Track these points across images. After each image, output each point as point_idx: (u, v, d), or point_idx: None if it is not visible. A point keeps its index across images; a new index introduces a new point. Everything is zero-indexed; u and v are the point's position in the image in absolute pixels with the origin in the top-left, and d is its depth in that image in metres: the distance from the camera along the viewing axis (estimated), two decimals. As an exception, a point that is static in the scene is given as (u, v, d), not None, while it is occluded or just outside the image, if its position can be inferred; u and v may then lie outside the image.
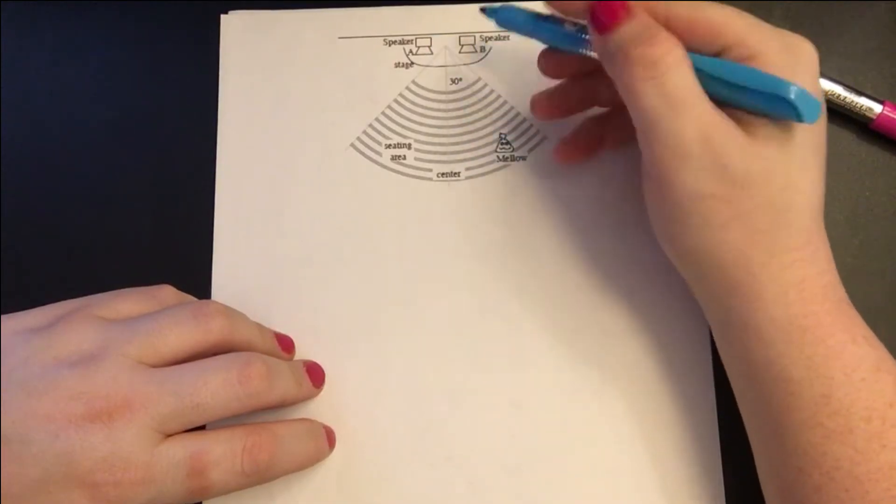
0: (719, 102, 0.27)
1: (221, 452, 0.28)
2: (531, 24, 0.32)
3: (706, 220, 0.28)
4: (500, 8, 0.33)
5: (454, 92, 0.37)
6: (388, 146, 0.37)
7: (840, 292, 0.28)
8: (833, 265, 0.29)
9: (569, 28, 0.31)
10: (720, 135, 0.27)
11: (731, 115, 0.28)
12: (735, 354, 0.29)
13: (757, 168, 0.27)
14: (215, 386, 0.28)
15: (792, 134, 0.28)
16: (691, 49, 0.28)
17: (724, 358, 0.30)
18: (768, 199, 0.27)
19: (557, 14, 0.31)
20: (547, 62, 0.33)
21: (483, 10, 0.33)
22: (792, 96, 0.25)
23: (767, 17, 0.37)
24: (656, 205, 0.29)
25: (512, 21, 0.32)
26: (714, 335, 0.31)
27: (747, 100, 0.27)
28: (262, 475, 0.29)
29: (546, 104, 0.35)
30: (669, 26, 0.28)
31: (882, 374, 0.27)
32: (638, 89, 0.27)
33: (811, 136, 0.28)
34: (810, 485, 0.27)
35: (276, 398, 0.30)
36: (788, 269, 0.27)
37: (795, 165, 0.28)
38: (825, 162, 0.29)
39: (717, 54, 0.28)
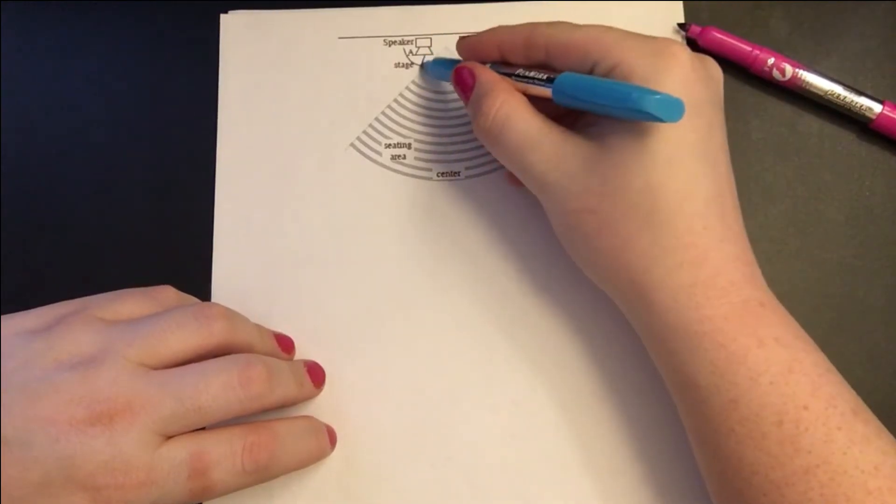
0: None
1: (222, 452, 0.28)
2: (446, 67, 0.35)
3: (581, 232, 0.29)
4: (430, 62, 0.37)
5: (454, 92, 0.37)
6: (388, 146, 0.37)
7: (747, 291, 0.27)
8: (740, 262, 0.28)
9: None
10: (570, 159, 0.29)
11: (594, 132, 0.29)
12: (654, 361, 0.30)
13: (613, 177, 0.28)
14: (216, 389, 0.28)
15: (652, 138, 0.27)
16: (570, 68, 0.30)
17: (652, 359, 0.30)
18: (631, 204, 0.27)
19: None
20: None
21: (421, 65, 0.38)
22: (638, 105, 0.25)
23: (767, 17, 0.38)
24: (552, 227, 0.31)
25: (439, 70, 0.36)
26: None
27: (614, 112, 0.27)
28: (263, 474, 0.29)
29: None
30: (549, 52, 0.30)
31: (794, 376, 0.26)
32: (490, 143, 0.31)
33: (676, 134, 0.27)
34: (732, 489, 0.27)
35: (277, 400, 0.30)
36: (675, 273, 0.27)
37: (657, 167, 0.27)
38: (711, 158, 0.28)
39: (591, 70, 0.29)
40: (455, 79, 0.33)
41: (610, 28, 0.29)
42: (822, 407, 0.25)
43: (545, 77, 0.30)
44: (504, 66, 0.32)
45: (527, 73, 0.31)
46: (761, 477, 0.26)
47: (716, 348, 0.26)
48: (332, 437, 0.33)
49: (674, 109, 0.26)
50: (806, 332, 0.28)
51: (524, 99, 0.31)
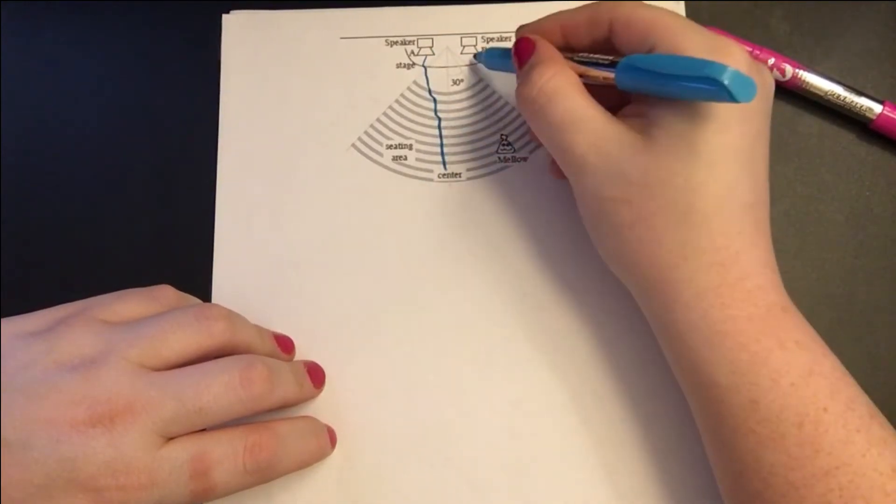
0: (657, 96, 0.28)
1: (223, 453, 0.28)
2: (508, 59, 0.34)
3: (612, 222, 0.29)
4: (485, 51, 0.36)
5: (456, 93, 0.37)
6: (390, 147, 0.37)
7: (772, 296, 0.27)
8: (768, 268, 0.28)
9: None
10: (613, 144, 0.28)
11: (638, 123, 0.29)
12: (669, 359, 0.30)
13: (654, 170, 0.27)
14: (217, 390, 0.28)
15: (699, 137, 0.27)
16: (630, 48, 0.29)
17: (669, 362, 0.30)
18: (669, 200, 0.27)
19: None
20: None
21: (475, 56, 0.37)
22: (719, 76, 0.25)
23: (767, 16, 0.38)
24: (580, 212, 0.31)
25: (494, 60, 0.36)
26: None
27: (681, 90, 0.26)
28: (264, 474, 0.29)
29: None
30: (613, 27, 0.30)
31: (814, 379, 0.26)
32: (532, 114, 0.30)
33: (720, 138, 0.27)
34: (750, 490, 0.27)
35: (278, 400, 0.30)
36: (704, 272, 0.27)
37: (700, 167, 0.27)
38: (751, 164, 0.28)
39: (650, 51, 0.28)
40: (515, 49, 0.32)
41: (675, 14, 0.29)
42: (842, 409, 0.26)
43: (609, 60, 0.29)
44: (566, 51, 0.31)
45: (589, 56, 0.30)
46: (780, 478, 0.26)
47: (738, 348, 0.27)
48: (332, 438, 0.33)
49: (748, 88, 0.25)
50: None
51: (577, 78, 0.30)
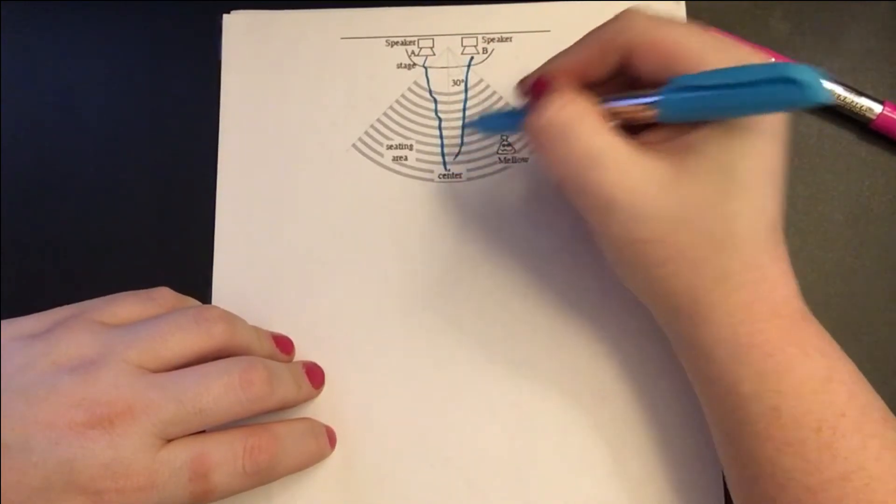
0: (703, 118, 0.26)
1: (223, 455, 0.28)
2: (508, 118, 0.31)
3: (643, 263, 0.28)
4: (479, 119, 0.33)
5: (456, 93, 0.37)
6: (390, 147, 0.37)
7: (795, 304, 0.28)
8: (789, 277, 0.28)
9: None
10: (642, 180, 0.27)
11: (666, 150, 0.27)
12: (689, 369, 0.30)
13: (690, 203, 0.27)
14: (217, 391, 0.28)
15: (736, 162, 0.27)
16: (652, 73, 0.27)
17: (686, 370, 0.30)
18: (706, 231, 0.27)
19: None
20: None
21: (469, 124, 0.36)
22: (795, 74, 0.23)
23: (768, 16, 0.38)
24: (600, 247, 0.30)
25: (492, 124, 0.33)
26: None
27: (751, 100, 0.25)
28: (263, 476, 0.29)
29: None
30: (635, 53, 0.28)
31: (833, 385, 0.26)
32: (544, 148, 0.27)
33: (755, 162, 0.27)
34: (766, 495, 0.27)
35: (277, 402, 0.30)
36: (736, 292, 0.27)
37: (736, 194, 0.27)
38: (778, 183, 0.28)
39: (674, 75, 0.27)
40: (531, 91, 0.30)
41: (691, 29, 0.27)
42: (857, 415, 0.26)
43: (649, 94, 0.27)
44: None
45: (619, 95, 0.27)
46: (797, 483, 0.26)
47: (763, 358, 0.27)
48: (331, 438, 0.33)
49: (822, 88, 0.23)
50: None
51: (593, 107, 0.27)
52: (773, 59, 0.27)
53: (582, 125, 0.27)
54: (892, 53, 0.37)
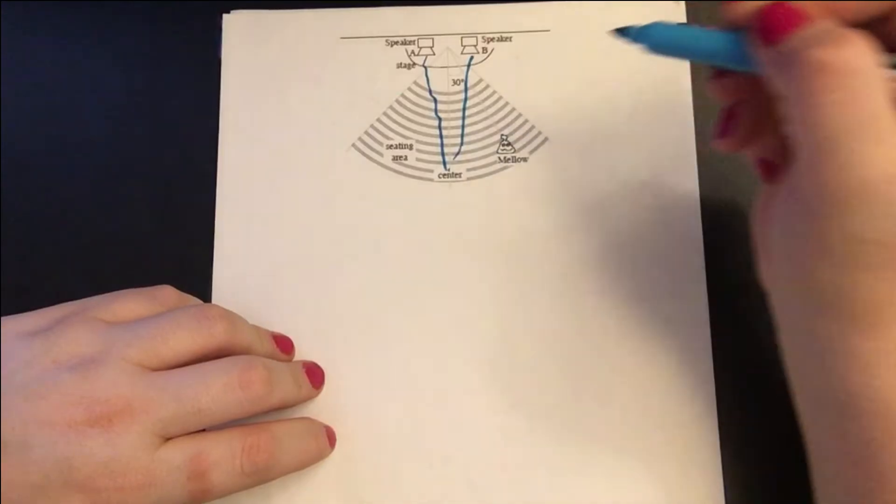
0: None
1: (221, 454, 0.28)
2: (693, 39, 0.25)
3: (853, 263, 0.22)
4: (650, 26, 0.26)
5: (456, 93, 0.37)
6: (390, 147, 0.37)
7: None
8: None
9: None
10: None
11: None
12: (811, 380, 0.26)
13: None
14: (216, 391, 0.28)
15: None
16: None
17: (803, 384, 0.26)
18: None
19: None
20: (722, 86, 0.27)
21: (623, 31, 0.27)
22: None
23: (768, 17, 0.38)
24: (787, 236, 0.24)
25: (668, 40, 0.26)
26: (789, 359, 0.27)
27: None
28: (261, 475, 0.29)
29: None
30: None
31: None
32: (818, 104, 0.21)
33: None
34: None
35: (277, 402, 0.30)
36: None
37: None
38: None
39: None
40: (768, 14, 0.23)
41: None
42: None
43: None
44: None
45: None
46: None
47: None
48: (331, 438, 0.33)
49: None
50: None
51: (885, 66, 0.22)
52: None
53: (874, 85, 0.21)
54: (892, 54, 0.37)
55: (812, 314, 0.24)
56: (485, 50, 0.37)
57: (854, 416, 0.24)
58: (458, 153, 0.37)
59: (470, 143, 0.37)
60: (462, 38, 0.38)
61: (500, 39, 0.38)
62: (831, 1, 0.23)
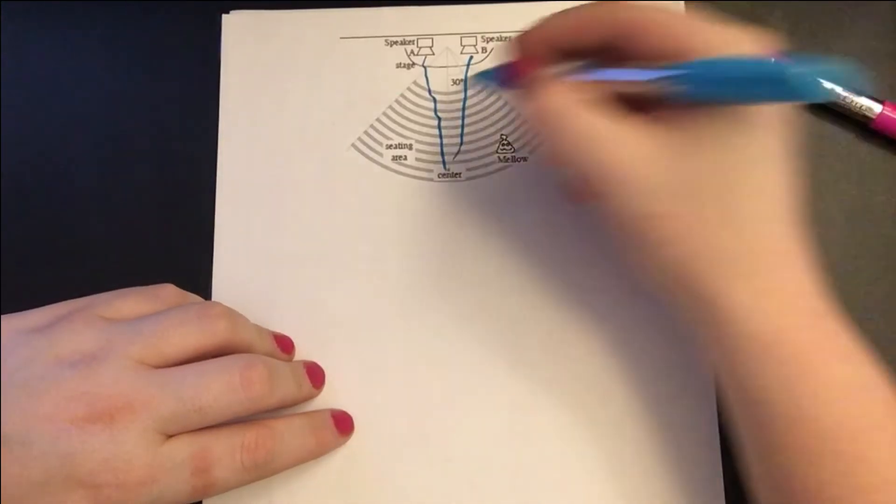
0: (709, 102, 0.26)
1: (223, 450, 0.28)
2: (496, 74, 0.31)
3: (650, 240, 0.27)
4: (480, 73, 0.33)
5: (456, 93, 0.37)
6: (389, 147, 0.37)
7: (820, 304, 0.26)
8: (812, 274, 0.27)
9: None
10: (645, 156, 0.26)
11: (670, 128, 0.26)
12: (718, 374, 0.29)
13: (692, 181, 0.26)
14: (217, 390, 0.28)
15: (742, 137, 0.26)
16: (647, 53, 0.27)
17: (718, 377, 0.29)
18: (708, 203, 0.26)
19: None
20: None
21: (473, 78, 0.35)
22: (786, 74, 0.23)
23: (768, 16, 0.38)
24: (607, 232, 0.29)
25: (488, 79, 0.33)
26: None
27: (755, 92, 0.25)
28: (262, 471, 0.29)
29: None
30: (632, 31, 0.27)
31: (866, 393, 0.25)
32: (548, 132, 0.28)
33: (770, 139, 0.26)
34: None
35: (277, 401, 0.30)
36: (750, 279, 0.26)
37: (741, 173, 0.26)
38: (786, 168, 0.27)
39: (674, 56, 0.26)
40: (514, 67, 0.30)
41: (695, 15, 0.27)
42: (893, 425, 0.25)
43: (668, 67, 0.26)
44: (603, 63, 0.29)
45: (634, 64, 0.27)
46: (825, 493, 0.25)
47: (789, 362, 0.25)
48: (343, 424, 0.33)
49: (820, 88, 0.23)
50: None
51: (590, 86, 0.28)
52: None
53: (575, 107, 0.27)
54: (892, 53, 0.37)
55: (679, 311, 0.29)
56: (484, 50, 0.37)
57: (741, 407, 0.28)
58: (457, 153, 0.37)
59: (469, 142, 0.37)
60: (461, 37, 0.38)
61: (500, 39, 0.38)
62: (554, 38, 0.29)
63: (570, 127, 0.27)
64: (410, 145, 0.37)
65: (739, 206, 0.26)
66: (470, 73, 0.37)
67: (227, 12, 0.38)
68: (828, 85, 0.36)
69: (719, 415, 0.33)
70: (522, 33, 0.30)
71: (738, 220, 0.26)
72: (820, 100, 0.23)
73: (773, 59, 0.25)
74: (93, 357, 0.27)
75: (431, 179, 0.36)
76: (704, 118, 0.26)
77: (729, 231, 0.26)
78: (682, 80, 0.26)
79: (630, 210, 0.27)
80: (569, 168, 0.28)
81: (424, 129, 0.37)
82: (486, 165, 0.36)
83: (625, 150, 0.26)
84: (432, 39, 0.38)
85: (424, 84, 0.37)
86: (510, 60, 0.30)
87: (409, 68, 0.38)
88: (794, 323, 0.26)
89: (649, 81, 0.27)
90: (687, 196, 0.26)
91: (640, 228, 0.27)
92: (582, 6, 0.29)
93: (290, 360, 0.34)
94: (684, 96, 0.26)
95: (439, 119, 0.37)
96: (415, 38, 0.38)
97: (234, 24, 0.38)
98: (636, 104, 0.28)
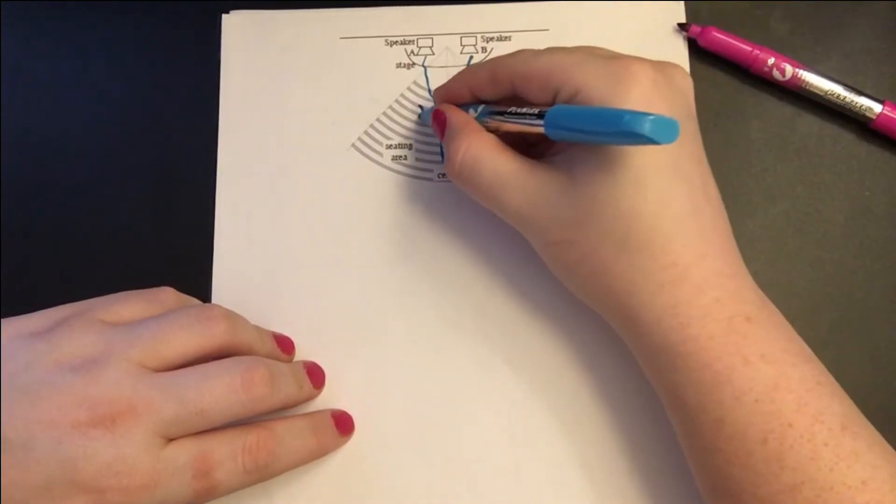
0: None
1: (224, 453, 0.28)
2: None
3: (562, 262, 0.30)
4: (425, 111, 0.37)
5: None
6: (389, 146, 0.37)
7: (733, 307, 0.27)
8: (724, 277, 0.27)
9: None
10: (541, 192, 0.29)
11: (561, 164, 0.29)
12: (648, 378, 0.30)
13: (584, 207, 0.28)
14: (219, 392, 0.28)
15: (618, 164, 0.27)
16: (538, 98, 0.29)
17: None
18: (605, 231, 0.27)
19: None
20: None
21: (419, 116, 0.37)
22: (631, 128, 0.24)
23: (767, 16, 0.38)
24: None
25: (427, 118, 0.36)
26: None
27: (606, 137, 0.26)
28: (263, 473, 0.29)
29: None
30: (515, 83, 0.30)
31: (780, 394, 0.26)
32: (463, 185, 0.31)
33: (643, 159, 0.27)
34: None
35: (278, 402, 0.30)
36: (657, 294, 0.27)
37: (627, 192, 0.27)
38: (687, 174, 0.28)
39: (554, 98, 0.29)
40: (432, 121, 0.33)
41: (572, 51, 0.29)
42: (808, 423, 0.25)
43: (536, 112, 0.29)
44: (495, 105, 0.32)
45: (518, 111, 0.30)
46: (748, 494, 0.26)
47: (701, 368, 0.26)
48: (344, 424, 0.33)
49: (669, 130, 0.24)
50: (806, 332, 0.28)
51: (493, 138, 0.31)
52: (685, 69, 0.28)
53: (486, 158, 0.30)
54: (892, 53, 0.37)
55: (607, 319, 0.31)
56: (484, 49, 0.37)
57: (668, 412, 0.29)
58: (457, 153, 0.37)
59: (470, 142, 0.37)
60: (461, 37, 0.38)
61: (500, 39, 0.38)
62: (474, 90, 0.33)
63: (483, 174, 0.30)
64: (410, 145, 0.37)
65: (632, 229, 0.27)
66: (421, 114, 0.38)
67: (227, 12, 0.38)
68: (828, 83, 0.36)
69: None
70: (444, 85, 0.34)
71: (635, 242, 0.27)
72: (663, 142, 0.24)
73: (610, 111, 0.26)
74: (93, 361, 0.27)
75: (431, 179, 0.36)
76: (589, 151, 0.28)
77: (628, 252, 0.27)
78: (540, 124, 0.28)
79: (539, 239, 0.30)
80: (488, 207, 0.31)
81: (424, 129, 0.37)
82: (487, 165, 0.36)
83: (524, 191, 0.29)
84: (432, 39, 0.38)
85: (424, 84, 0.37)
86: (436, 108, 0.34)
87: (409, 68, 0.37)
88: (707, 332, 0.26)
89: (521, 125, 0.30)
90: (584, 224, 0.28)
91: (552, 252, 0.30)
92: (491, 59, 0.32)
93: (291, 360, 0.34)
94: (553, 139, 0.28)
95: (439, 119, 0.37)
96: (415, 38, 0.38)
97: (234, 24, 0.38)
98: (543, 142, 0.31)
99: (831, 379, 0.27)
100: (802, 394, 0.26)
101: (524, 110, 0.29)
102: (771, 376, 0.26)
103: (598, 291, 0.29)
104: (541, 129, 0.28)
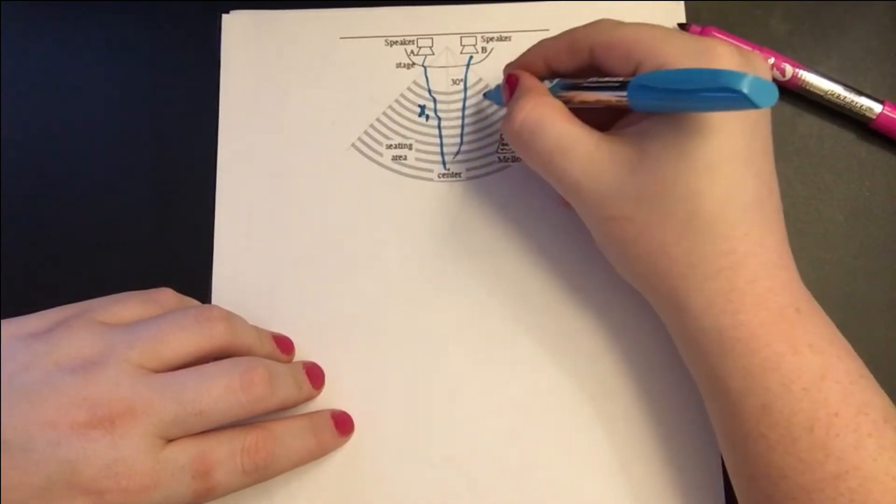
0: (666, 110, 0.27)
1: (223, 453, 0.28)
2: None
3: (618, 239, 0.29)
4: (492, 90, 0.36)
5: (455, 93, 0.37)
6: (389, 146, 0.37)
7: (784, 298, 0.27)
8: (779, 268, 0.27)
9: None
10: (606, 164, 0.28)
11: (630, 137, 0.28)
12: (685, 361, 0.30)
13: (651, 183, 0.27)
14: (218, 393, 0.28)
15: (692, 143, 0.27)
16: (616, 69, 0.29)
17: (687, 367, 0.30)
18: (670, 211, 0.27)
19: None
20: None
21: (484, 95, 0.37)
22: (738, 85, 0.23)
23: (768, 16, 0.38)
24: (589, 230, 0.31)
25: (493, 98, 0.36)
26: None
27: (700, 102, 0.25)
28: (262, 473, 0.29)
29: None
30: (594, 52, 0.30)
31: (826, 383, 0.26)
32: (521, 147, 0.30)
33: (718, 141, 0.27)
34: (760, 492, 0.27)
35: (278, 403, 0.30)
36: (713, 279, 0.27)
37: (697, 174, 0.27)
38: (756, 164, 0.28)
39: (635, 71, 0.28)
40: (504, 85, 0.32)
41: (654, 26, 0.29)
42: (853, 414, 0.26)
43: (619, 82, 0.28)
44: (572, 78, 0.31)
45: (598, 81, 0.29)
46: (790, 481, 0.26)
47: (749, 354, 0.26)
48: (343, 425, 0.33)
49: (767, 92, 0.24)
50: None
51: (560, 105, 0.30)
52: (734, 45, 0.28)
53: (550, 122, 0.29)
54: (892, 53, 0.37)
55: (650, 301, 0.31)
56: (484, 49, 0.37)
57: (706, 398, 0.29)
58: (457, 153, 0.37)
59: (469, 142, 0.37)
60: (461, 37, 0.38)
61: (500, 39, 0.38)
62: (548, 61, 0.32)
63: (545, 137, 0.29)
64: (410, 145, 0.37)
65: (698, 211, 0.27)
66: (481, 89, 0.37)
67: (227, 12, 0.38)
68: (826, 83, 0.36)
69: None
70: (517, 58, 0.33)
71: (698, 224, 0.27)
72: (760, 104, 0.23)
73: (706, 69, 0.25)
74: (92, 362, 0.27)
75: (431, 179, 0.36)
76: (663, 127, 0.27)
77: (690, 234, 0.27)
78: (625, 92, 0.27)
79: (596, 213, 0.29)
80: (544, 175, 0.31)
81: (424, 129, 0.37)
82: (486, 165, 0.36)
83: (587, 161, 0.29)
84: (432, 39, 0.38)
85: (424, 84, 0.37)
86: (509, 72, 0.32)
87: (409, 68, 0.37)
88: (758, 319, 0.27)
89: (599, 94, 0.29)
90: (648, 201, 0.28)
91: (607, 229, 0.29)
92: (569, 30, 0.31)
93: (291, 360, 0.34)
94: (635, 107, 0.28)
95: (439, 119, 0.37)
96: (415, 38, 0.38)
97: (234, 24, 0.38)
98: (612, 114, 0.30)
99: (871, 376, 0.28)
100: (847, 385, 0.26)
101: (605, 80, 0.29)
102: (819, 366, 0.26)
103: (648, 272, 0.29)
104: (622, 97, 0.27)
